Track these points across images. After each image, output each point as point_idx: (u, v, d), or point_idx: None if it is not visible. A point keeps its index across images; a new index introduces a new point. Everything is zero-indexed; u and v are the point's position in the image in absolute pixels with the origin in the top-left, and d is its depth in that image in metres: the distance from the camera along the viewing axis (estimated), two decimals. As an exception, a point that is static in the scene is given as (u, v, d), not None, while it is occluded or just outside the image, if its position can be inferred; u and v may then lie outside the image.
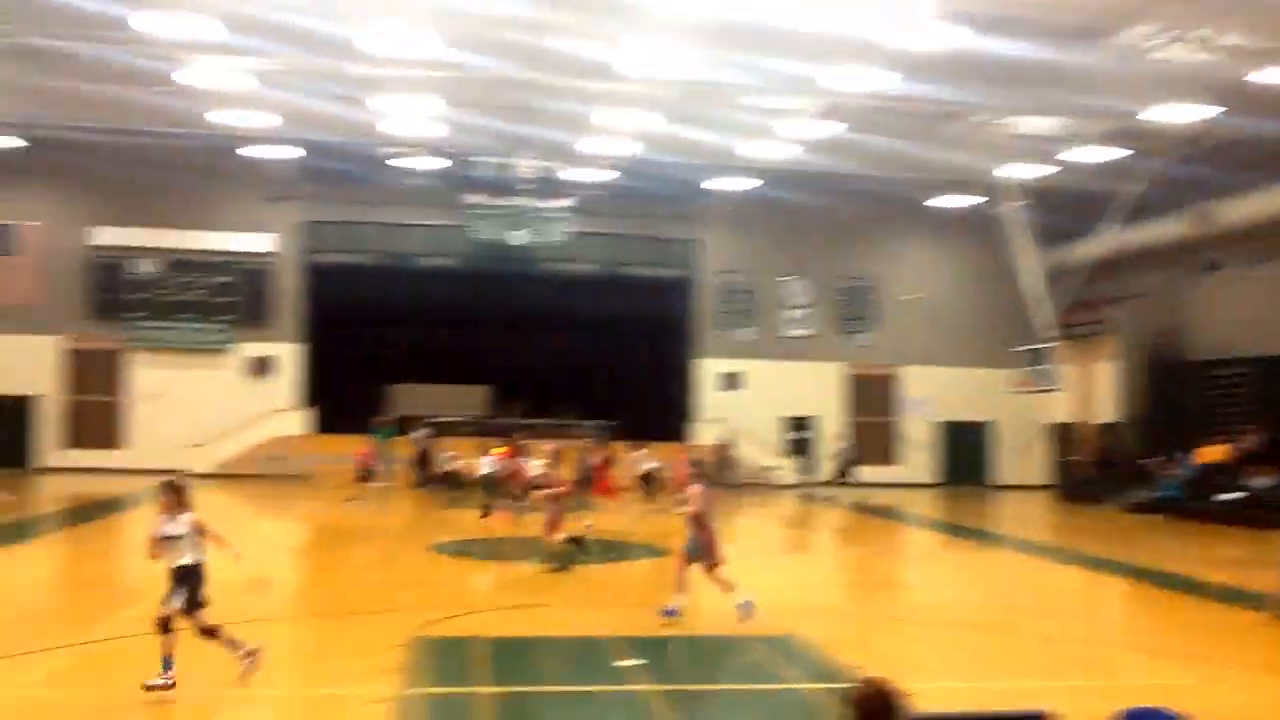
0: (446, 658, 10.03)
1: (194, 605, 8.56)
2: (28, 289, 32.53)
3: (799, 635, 11.28)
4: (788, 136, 27.61)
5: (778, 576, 17.10)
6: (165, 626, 8.40)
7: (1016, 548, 21.56)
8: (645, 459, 26.42)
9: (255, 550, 17.91)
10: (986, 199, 32.54)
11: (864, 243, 36.57)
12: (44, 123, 28.69)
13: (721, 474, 32.50)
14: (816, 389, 36.08)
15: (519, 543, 20.33)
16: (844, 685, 8.95)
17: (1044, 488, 34.28)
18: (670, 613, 11.73)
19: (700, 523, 11.98)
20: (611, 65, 22.02)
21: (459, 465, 27.35)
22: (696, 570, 11.99)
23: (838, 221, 35.02)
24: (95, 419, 32.83)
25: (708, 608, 13.92)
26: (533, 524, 19.38)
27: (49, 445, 32.44)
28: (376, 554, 18.28)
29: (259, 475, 30.70)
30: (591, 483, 21.88)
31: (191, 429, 31.73)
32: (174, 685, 8.31)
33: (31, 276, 32.58)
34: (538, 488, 16.60)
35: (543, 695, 8.90)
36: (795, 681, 9.56)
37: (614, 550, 18.91)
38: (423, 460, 29.01)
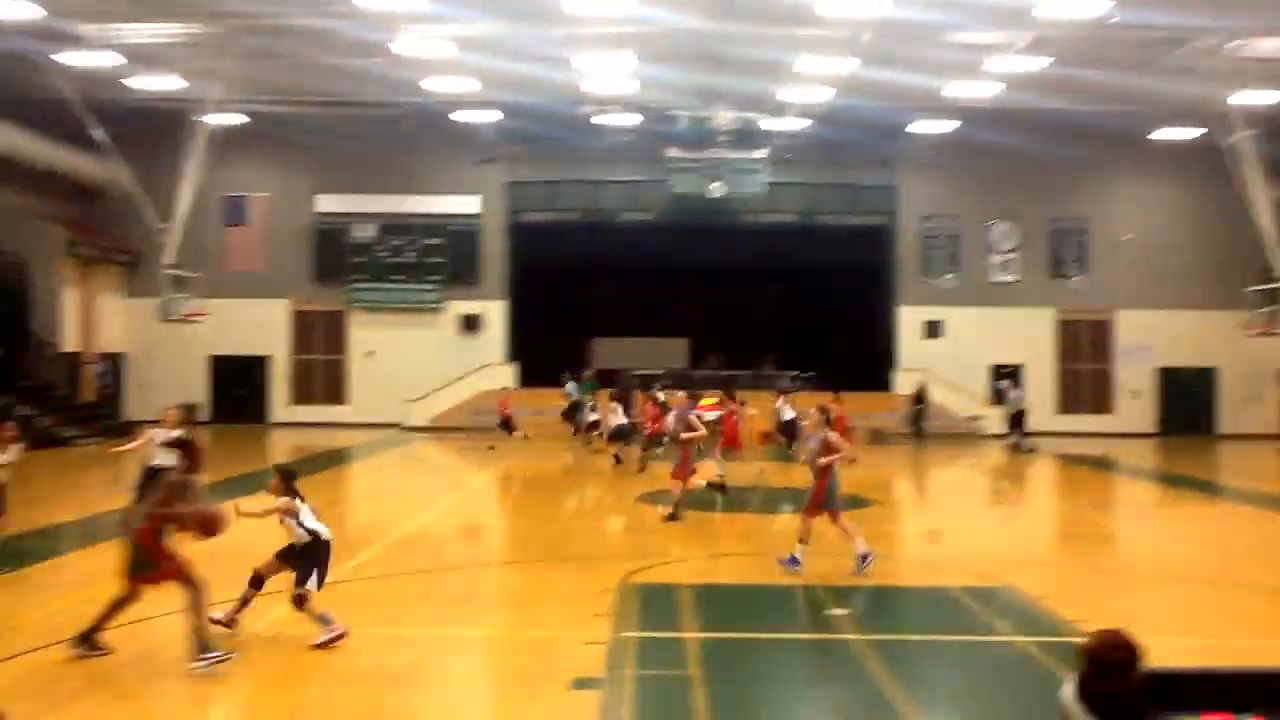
0: (655, 603, 10.25)
1: (321, 580, 8.78)
2: (259, 256, 34.90)
3: (1013, 587, 11.00)
4: (991, 73, 26.54)
5: (988, 528, 16.73)
6: (301, 603, 8.65)
7: (1244, 500, 20.29)
8: (785, 408, 25.88)
9: (468, 500, 18.74)
10: (1212, 130, 30.42)
11: (1075, 181, 34.82)
12: (271, 98, 30.48)
13: (917, 424, 31.87)
14: (1024, 335, 34.80)
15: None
16: (1065, 639, 8.70)
17: (1275, 438, 32.13)
18: (864, 559, 11.43)
19: (826, 473, 11.59)
20: (812, 8, 21.56)
21: (596, 417, 27.41)
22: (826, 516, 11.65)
23: (1046, 160, 33.40)
24: (321, 376, 34.92)
25: (917, 559, 13.76)
26: (734, 473, 19.53)
27: (281, 401, 34.72)
28: (583, 504, 18.79)
29: (469, 428, 31.97)
30: (722, 434, 21.49)
31: (407, 384, 33.30)
32: (344, 634, 8.53)
33: (262, 244, 34.94)
34: (676, 437, 16.56)
35: (751, 641, 8.99)
36: (1011, 634, 9.33)
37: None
38: (571, 413, 28.87)
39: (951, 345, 34.52)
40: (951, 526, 16.87)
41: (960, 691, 7.91)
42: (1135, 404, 34.77)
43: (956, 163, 34.02)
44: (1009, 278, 35.14)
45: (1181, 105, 29.06)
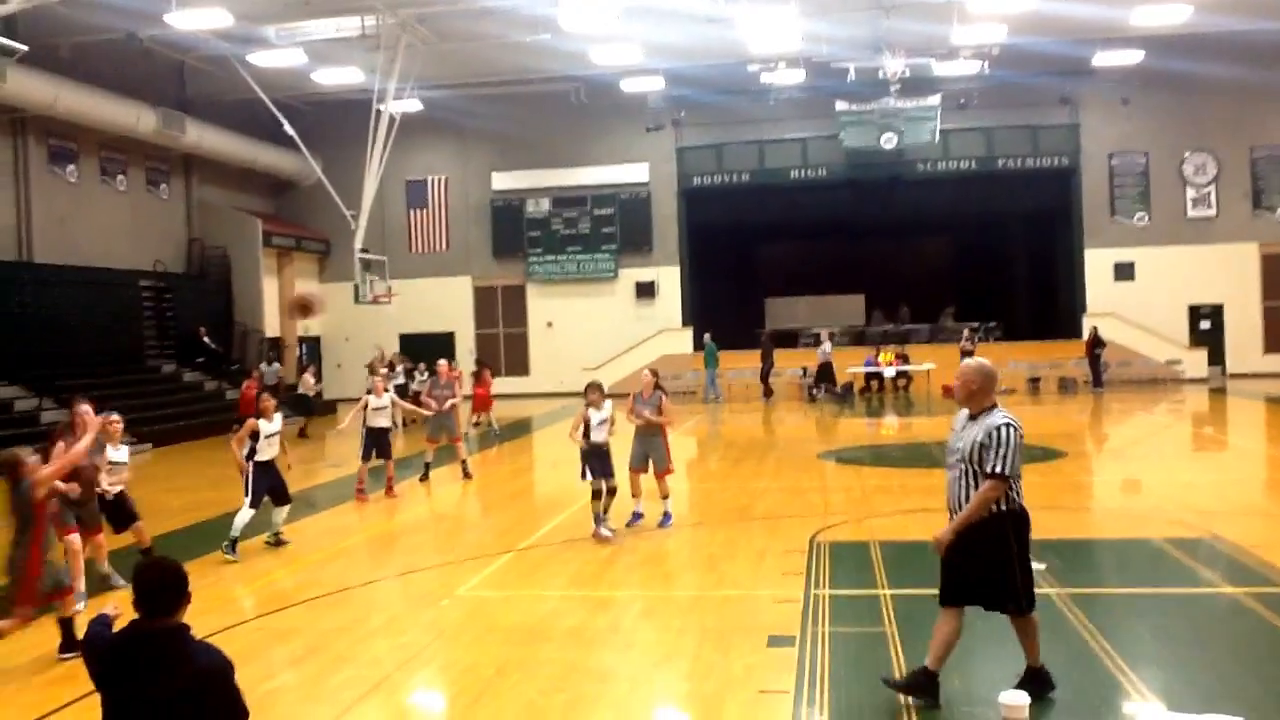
0: (846, 561, 10.24)
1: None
2: (441, 236, 36.25)
3: (1220, 537, 10.53)
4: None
5: (1188, 476, 15.97)
6: (596, 494, 11.65)
7: None
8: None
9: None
10: None
11: (1276, 106, 32.55)
12: (446, 83, 31.54)
13: (1095, 372, 30.58)
14: (1224, 273, 32.89)
15: (902, 448, 20.27)
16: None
17: None
18: (637, 516, 12.36)
19: (660, 430, 12.35)
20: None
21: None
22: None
23: (1243, 86, 31.36)
24: (506, 349, 36.00)
25: (1114, 510, 13.29)
26: (917, 429, 19.04)
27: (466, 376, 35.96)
28: (766, 463, 18.82)
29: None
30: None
31: (585, 353, 33.97)
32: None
33: (444, 224, 36.26)
34: None
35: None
36: (1222, 585, 8.95)
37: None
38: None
39: (1145, 287, 32.95)
40: (1149, 476, 16.20)
41: (1170, 644, 7.64)
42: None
43: (1144, 95, 32.31)
44: (1206, 213, 33.23)
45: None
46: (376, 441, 15.18)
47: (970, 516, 6.07)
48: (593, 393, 11.99)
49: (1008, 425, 6.02)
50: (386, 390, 15.63)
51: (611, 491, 11.74)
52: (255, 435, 11.64)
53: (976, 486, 6.06)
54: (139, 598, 3.76)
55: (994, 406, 6.17)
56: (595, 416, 11.80)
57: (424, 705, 7.20)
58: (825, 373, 30.50)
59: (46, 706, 6.91)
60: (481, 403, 24.06)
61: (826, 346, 30.89)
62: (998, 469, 5.96)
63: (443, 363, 18.11)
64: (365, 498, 14.96)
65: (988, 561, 6.13)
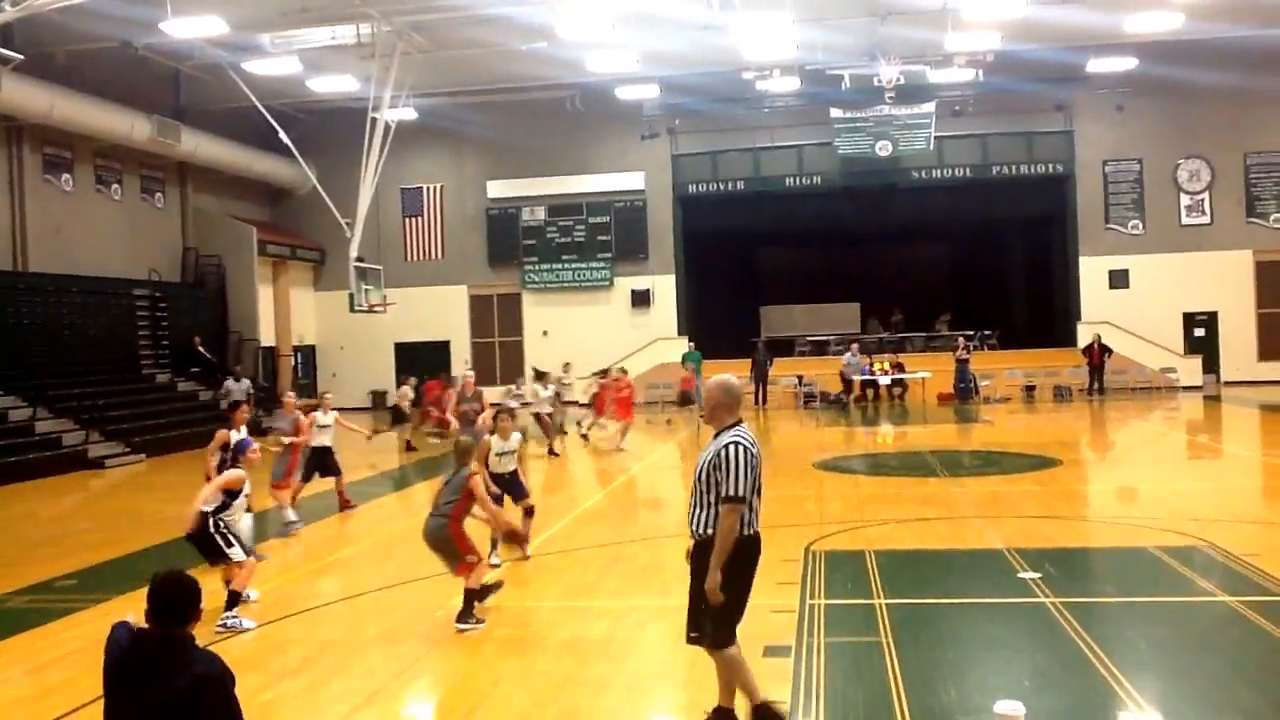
0: (841, 570, 10.23)
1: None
2: (437, 245, 36.26)
3: (1215, 545, 10.54)
4: (1173, 3, 25.14)
5: (1184, 485, 16.00)
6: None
7: None
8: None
9: (647, 472, 19.00)
10: None
11: (1270, 113, 32.66)
12: (441, 90, 31.61)
13: (1096, 377, 30.70)
14: (1218, 280, 32.94)
15: (897, 457, 20.27)
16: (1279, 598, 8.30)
17: None
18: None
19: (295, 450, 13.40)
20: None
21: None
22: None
23: (1237, 92, 31.52)
24: (501, 357, 35.95)
25: (1109, 518, 13.29)
26: (912, 439, 19.01)
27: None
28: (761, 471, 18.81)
29: (645, 403, 32.38)
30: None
31: (581, 362, 33.82)
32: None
33: (440, 233, 36.28)
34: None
35: (942, 606, 8.89)
36: (1217, 594, 8.95)
37: (994, 463, 18.41)
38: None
39: (1139, 294, 33.02)
40: (1143, 484, 16.22)
41: (1165, 653, 7.64)
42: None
43: (1138, 102, 32.41)
44: (1200, 220, 33.30)
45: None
46: (320, 461, 14.48)
47: (724, 553, 5.69)
48: (503, 419, 11.34)
49: (736, 444, 5.71)
50: (331, 409, 14.87)
51: (528, 511, 11.41)
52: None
53: (706, 509, 5.76)
54: (153, 609, 3.84)
55: (736, 424, 5.86)
56: (499, 446, 11.21)
57: (419, 717, 7.18)
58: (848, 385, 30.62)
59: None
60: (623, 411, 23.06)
61: (856, 358, 30.85)
62: (727, 491, 5.65)
63: (470, 374, 17.80)
64: (297, 532, 13.48)
65: (696, 587, 5.86)
